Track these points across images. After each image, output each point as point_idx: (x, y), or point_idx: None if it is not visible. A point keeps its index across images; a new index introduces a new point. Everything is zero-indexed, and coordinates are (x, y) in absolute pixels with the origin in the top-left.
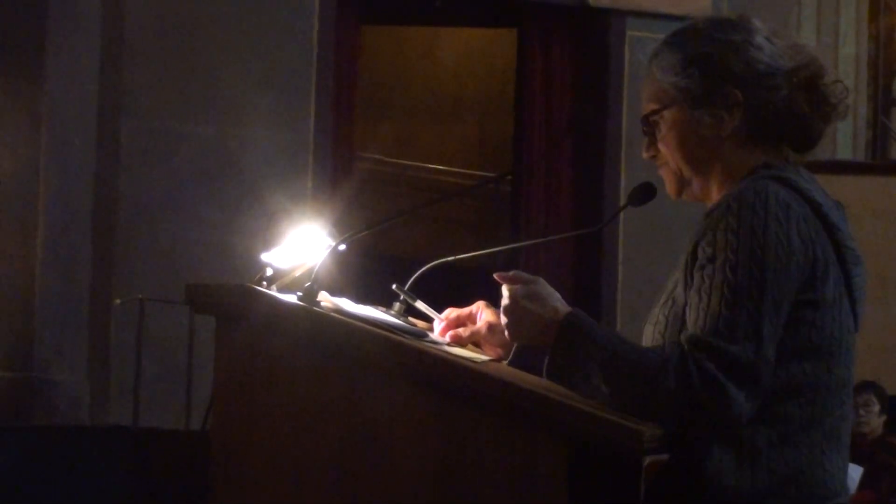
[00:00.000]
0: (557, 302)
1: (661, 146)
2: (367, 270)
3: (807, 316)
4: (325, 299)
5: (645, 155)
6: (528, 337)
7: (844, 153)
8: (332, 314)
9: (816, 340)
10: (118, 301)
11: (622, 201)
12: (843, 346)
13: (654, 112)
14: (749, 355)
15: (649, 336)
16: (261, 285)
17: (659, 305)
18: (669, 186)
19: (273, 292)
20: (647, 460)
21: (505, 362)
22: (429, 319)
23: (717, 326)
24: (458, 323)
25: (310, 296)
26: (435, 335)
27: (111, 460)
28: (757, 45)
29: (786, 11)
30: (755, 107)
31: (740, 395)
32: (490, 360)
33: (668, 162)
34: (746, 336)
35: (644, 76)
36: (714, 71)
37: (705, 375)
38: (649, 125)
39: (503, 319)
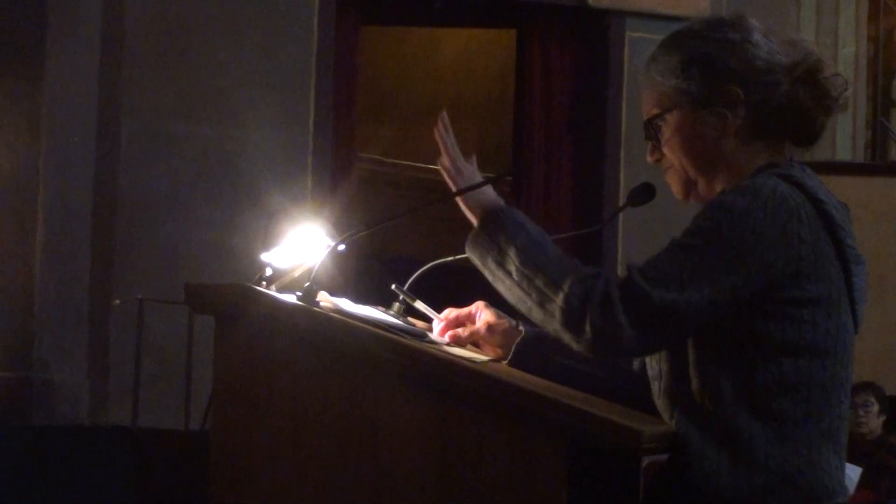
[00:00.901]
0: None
1: (665, 150)
2: (367, 270)
3: (794, 313)
4: (325, 299)
5: (649, 159)
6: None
7: (844, 154)
8: (332, 314)
9: (809, 338)
10: (117, 301)
11: (621, 201)
12: (840, 344)
13: (657, 116)
14: (656, 299)
15: None
16: (260, 285)
17: None
18: (676, 189)
19: (272, 292)
20: (646, 461)
21: (504, 362)
22: (428, 319)
23: (647, 268)
24: (457, 323)
25: (309, 296)
26: (434, 335)
27: (110, 460)
28: (755, 42)
29: (785, 12)
30: (757, 103)
31: (628, 324)
32: (489, 360)
33: (673, 165)
34: (666, 285)
35: (642, 80)
36: (714, 70)
37: (606, 296)
38: (652, 129)
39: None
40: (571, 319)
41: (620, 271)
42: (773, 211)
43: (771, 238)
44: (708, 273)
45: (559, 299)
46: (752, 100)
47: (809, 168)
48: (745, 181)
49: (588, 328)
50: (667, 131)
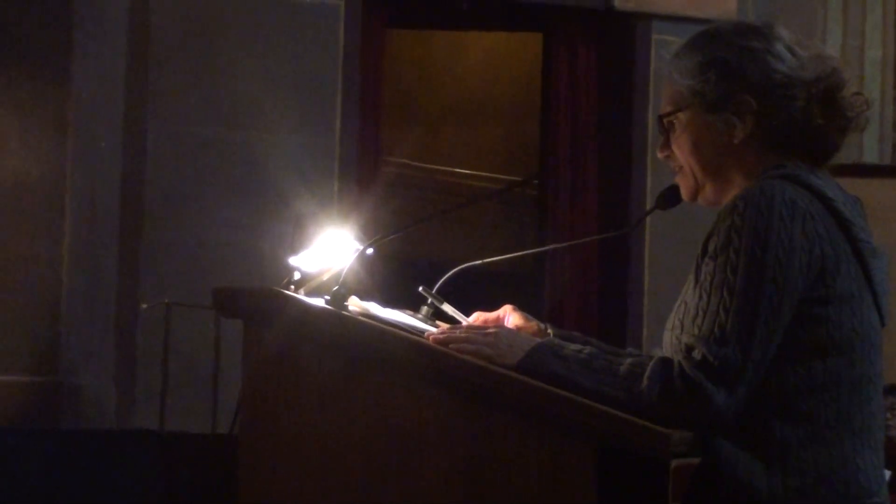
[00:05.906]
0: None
1: (674, 148)
2: (395, 274)
3: (820, 313)
4: (353, 303)
5: (659, 154)
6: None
7: (871, 156)
8: (361, 318)
9: (836, 336)
10: (145, 305)
11: (648, 205)
12: (866, 340)
13: (670, 113)
14: (737, 357)
15: (668, 341)
16: (288, 289)
17: (674, 310)
18: (683, 190)
19: (301, 296)
20: (675, 463)
21: None
22: (456, 323)
23: (710, 328)
24: (485, 326)
25: (338, 299)
26: None
27: (138, 464)
28: (776, 53)
29: (811, 14)
30: (769, 115)
31: (721, 395)
32: None
33: (682, 164)
34: (738, 338)
35: (664, 75)
36: (730, 77)
37: (688, 379)
38: (664, 125)
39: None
40: (659, 412)
41: (677, 345)
42: (789, 217)
43: (799, 244)
44: (766, 307)
45: (638, 398)
46: (764, 111)
47: (831, 171)
48: (749, 187)
49: (680, 412)
50: (678, 129)
